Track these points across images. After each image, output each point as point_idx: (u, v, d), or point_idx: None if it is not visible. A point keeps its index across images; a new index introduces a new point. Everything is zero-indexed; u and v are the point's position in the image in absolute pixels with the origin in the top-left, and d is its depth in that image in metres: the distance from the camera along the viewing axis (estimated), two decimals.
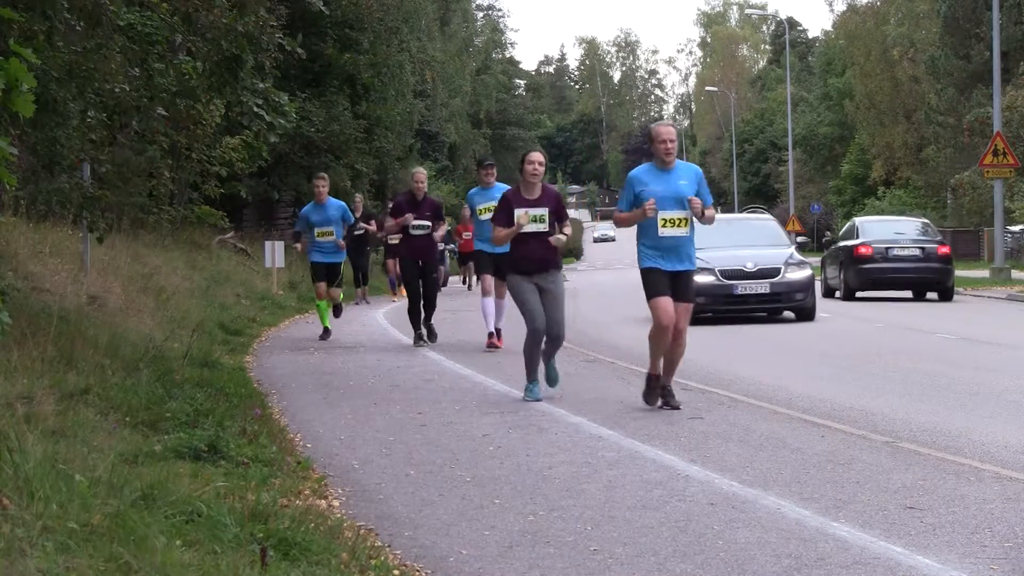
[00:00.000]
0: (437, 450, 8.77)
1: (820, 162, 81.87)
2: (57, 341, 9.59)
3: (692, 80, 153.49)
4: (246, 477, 7.02)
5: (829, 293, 28.66)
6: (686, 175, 10.48)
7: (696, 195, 10.38)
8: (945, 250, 27.57)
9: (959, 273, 40.76)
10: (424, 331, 16.83)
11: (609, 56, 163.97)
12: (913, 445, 8.76)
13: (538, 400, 11.01)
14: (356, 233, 25.45)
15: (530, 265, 11.17)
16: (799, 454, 8.42)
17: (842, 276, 27.94)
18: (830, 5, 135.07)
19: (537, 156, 11.42)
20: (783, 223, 73.34)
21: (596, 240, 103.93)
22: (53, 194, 14.21)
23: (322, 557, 5.49)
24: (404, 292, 30.52)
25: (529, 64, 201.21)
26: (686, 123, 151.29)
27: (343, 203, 18.34)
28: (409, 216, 16.31)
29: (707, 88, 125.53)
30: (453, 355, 15.37)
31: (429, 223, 16.47)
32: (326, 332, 18.04)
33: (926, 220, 32.26)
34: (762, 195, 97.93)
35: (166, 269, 20.69)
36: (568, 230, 11.45)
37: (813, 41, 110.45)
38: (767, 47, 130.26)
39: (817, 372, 14.14)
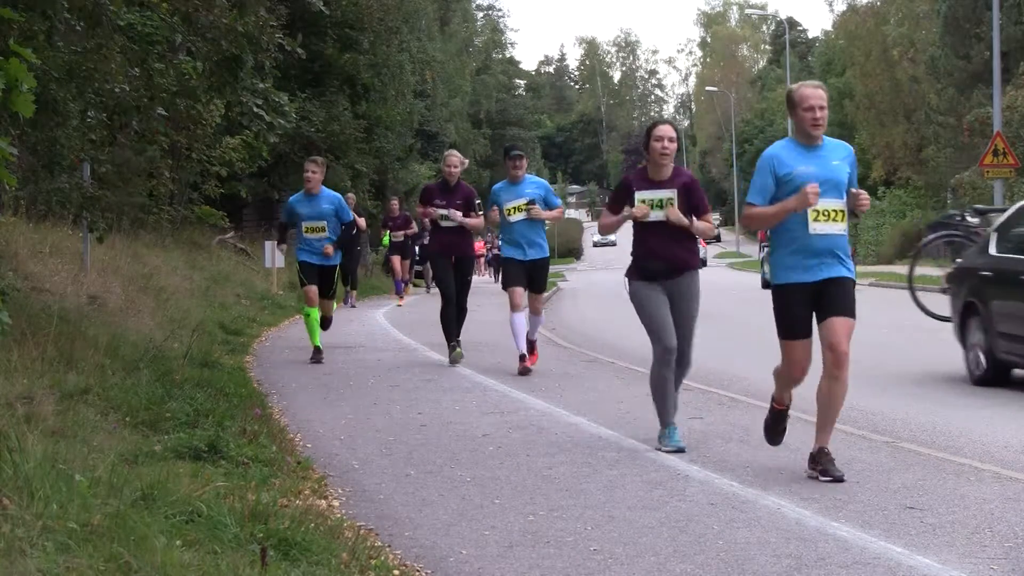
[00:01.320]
0: (437, 450, 8.77)
1: None
2: (57, 341, 9.59)
3: (692, 80, 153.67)
4: (246, 477, 7.02)
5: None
6: (839, 153, 7.88)
7: (849, 180, 7.90)
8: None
9: None
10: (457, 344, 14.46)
11: (609, 56, 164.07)
12: (913, 445, 8.76)
13: (681, 450, 8.60)
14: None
15: (659, 264, 8.86)
16: (799, 454, 8.42)
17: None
18: (830, 5, 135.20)
19: (667, 131, 8.92)
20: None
21: (596, 244, 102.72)
22: (53, 194, 14.23)
23: (322, 557, 5.49)
24: (407, 293, 30.49)
25: (529, 64, 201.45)
26: (686, 123, 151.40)
27: (339, 195, 15.13)
28: (433, 210, 14.15)
29: (707, 88, 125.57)
30: None
31: (459, 214, 14.17)
32: (317, 353, 14.99)
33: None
34: None
35: (166, 269, 20.70)
36: (708, 221, 9.09)
37: (813, 41, 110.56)
38: (767, 47, 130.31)
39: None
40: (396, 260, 29.51)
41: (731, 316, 24.17)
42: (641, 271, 8.94)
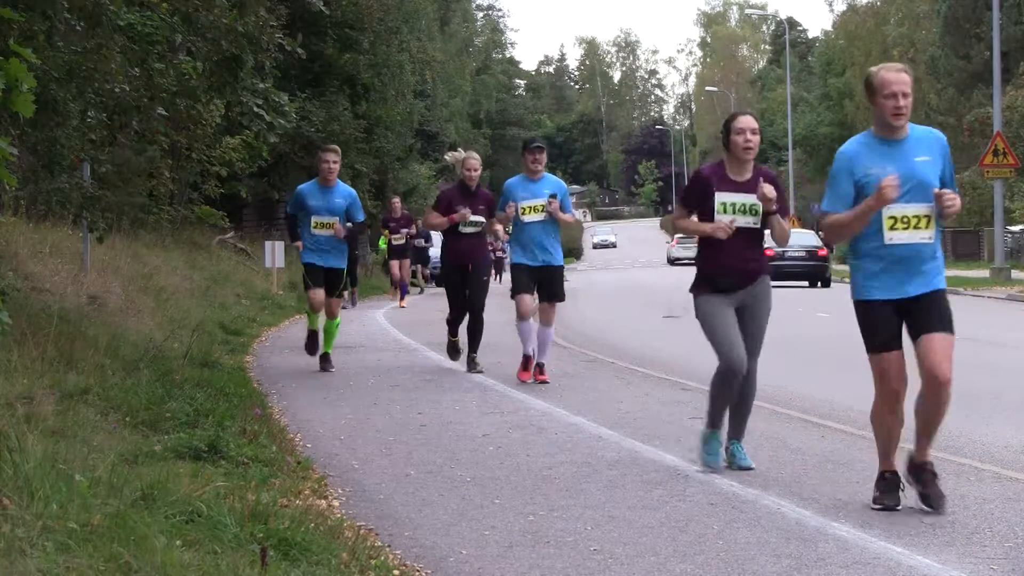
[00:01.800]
0: (437, 450, 8.77)
1: (820, 162, 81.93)
2: (57, 341, 9.59)
3: (692, 80, 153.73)
4: (246, 477, 7.02)
5: None
6: (926, 147, 6.73)
7: (941, 178, 6.71)
8: (823, 252, 38.44)
9: (959, 273, 41.25)
10: (466, 359, 13.62)
11: (609, 56, 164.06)
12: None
13: (714, 468, 7.77)
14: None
15: (733, 277, 7.76)
16: (799, 454, 8.43)
17: None
18: (830, 5, 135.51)
19: (749, 122, 7.79)
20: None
21: (596, 246, 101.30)
22: (53, 194, 14.23)
23: (322, 557, 5.48)
24: (399, 299, 30.26)
25: (529, 64, 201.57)
26: (686, 123, 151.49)
27: (354, 191, 13.83)
28: (466, 212, 13.08)
29: (707, 88, 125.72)
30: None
31: (483, 219, 13.23)
32: (325, 360, 13.95)
33: (813, 233, 41.34)
34: None
35: (166, 269, 20.70)
36: (787, 226, 7.92)
37: (813, 41, 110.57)
38: (767, 47, 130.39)
39: (817, 372, 14.15)
40: (395, 264, 28.59)
41: None
42: (712, 286, 7.81)
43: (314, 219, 13.34)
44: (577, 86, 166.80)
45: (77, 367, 9.30)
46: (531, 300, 12.52)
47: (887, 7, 70.34)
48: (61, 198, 14.16)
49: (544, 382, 12.33)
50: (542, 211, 12.32)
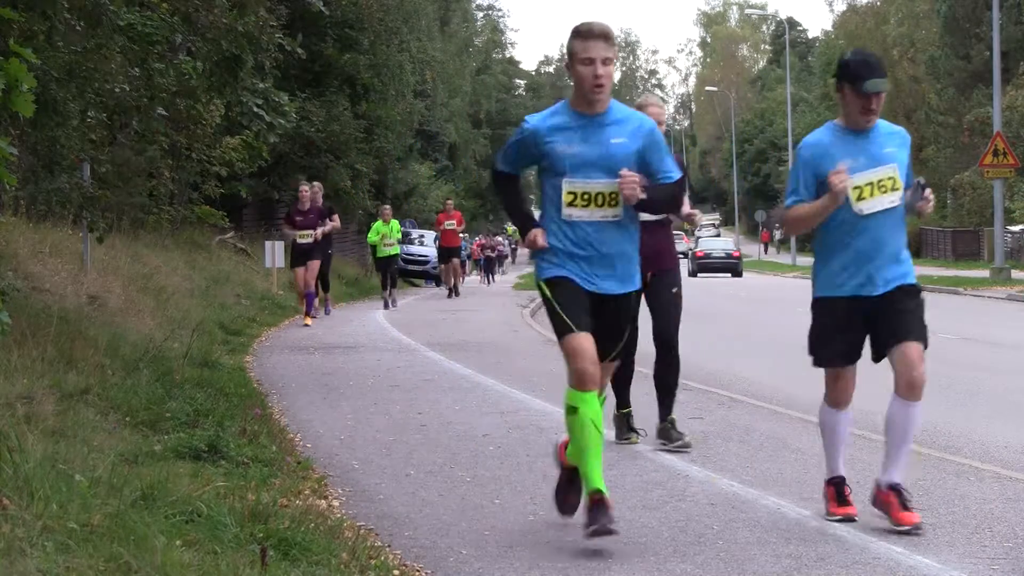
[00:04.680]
0: (437, 450, 8.77)
1: None
2: (57, 341, 9.59)
3: (692, 80, 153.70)
4: (246, 477, 7.02)
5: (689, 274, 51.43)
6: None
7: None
8: (736, 253, 57.78)
9: (959, 273, 41.36)
10: (657, 427, 8.80)
11: None
12: (913, 445, 8.74)
13: None
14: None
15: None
16: (799, 454, 8.42)
17: (691, 266, 54.80)
18: (830, 5, 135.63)
19: None
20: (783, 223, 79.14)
21: None
22: (53, 194, 14.23)
23: (322, 557, 5.48)
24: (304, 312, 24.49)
25: (529, 64, 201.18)
26: (686, 123, 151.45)
27: (653, 123, 6.31)
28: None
29: (707, 88, 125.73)
30: (453, 355, 15.35)
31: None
32: (601, 510, 5.91)
33: (732, 238, 66.25)
34: (762, 195, 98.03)
35: (166, 269, 20.69)
36: None
37: (813, 41, 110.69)
38: (767, 47, 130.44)
39: (817, 372, 14.13)
40: (299, 272, 21.18)
41: (731, 316, 24.22)
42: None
43: (570, 186, 6.09)
44: None
45: (77, 367, 9.29)
46: (853, 375, 6.60)
47: (887, 7, 70.34)
48: (61, 198, 14.16)
49: (917, 527, 6.18)
50: (893, 191, 6.33)
